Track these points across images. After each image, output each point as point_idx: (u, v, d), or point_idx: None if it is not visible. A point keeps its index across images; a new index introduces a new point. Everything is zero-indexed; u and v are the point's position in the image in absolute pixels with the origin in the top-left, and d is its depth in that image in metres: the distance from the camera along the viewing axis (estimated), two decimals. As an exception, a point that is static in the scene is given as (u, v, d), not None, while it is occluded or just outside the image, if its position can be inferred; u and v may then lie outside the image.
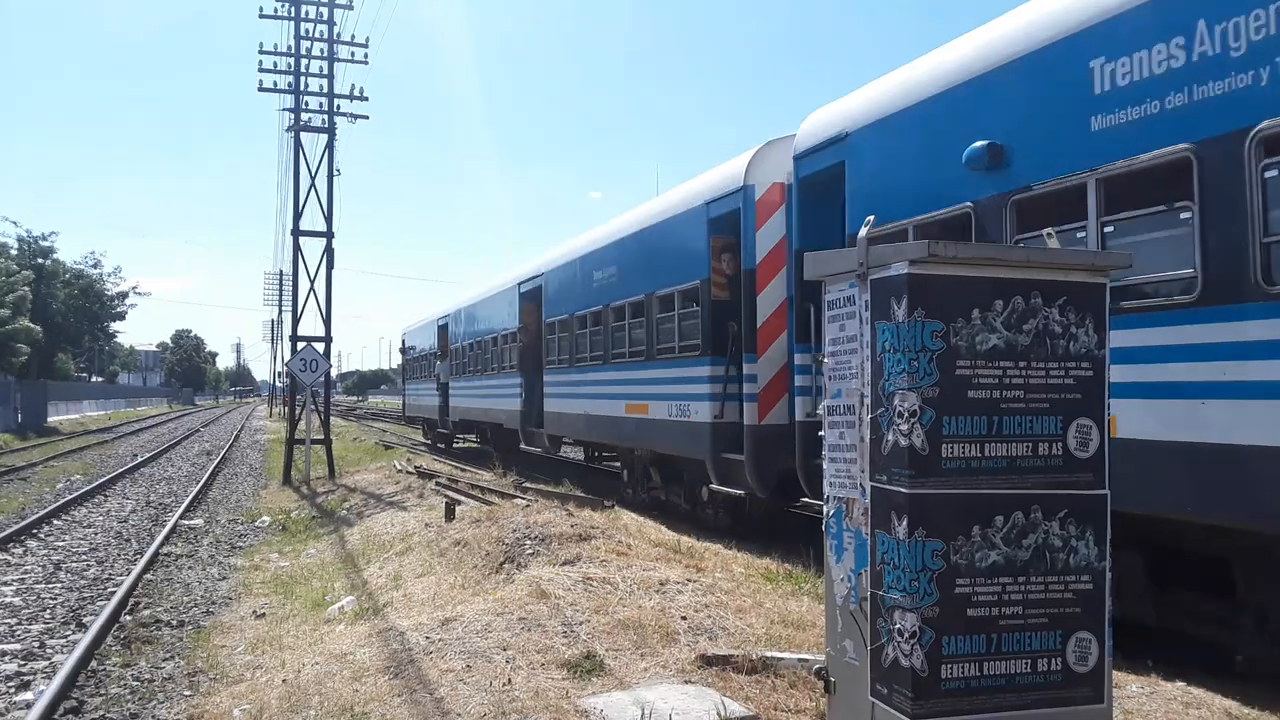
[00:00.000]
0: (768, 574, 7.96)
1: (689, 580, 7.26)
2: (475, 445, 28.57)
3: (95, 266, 55.99)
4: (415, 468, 19.22)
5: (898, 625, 3.28)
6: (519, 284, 20.66)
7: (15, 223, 65.40)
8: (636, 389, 13.88)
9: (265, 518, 15.27)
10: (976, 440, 3.27)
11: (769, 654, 5.31)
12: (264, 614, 8.48)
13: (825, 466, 3.69)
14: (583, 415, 16.30)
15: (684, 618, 6.22)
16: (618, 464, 16.61)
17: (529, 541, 8.75)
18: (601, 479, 18.11)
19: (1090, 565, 3.47)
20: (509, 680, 5.11)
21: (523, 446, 21.89)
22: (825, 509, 3.70)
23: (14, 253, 47.37)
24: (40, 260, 48.98)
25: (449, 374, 27.50)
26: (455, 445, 30.03)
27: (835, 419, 3.63)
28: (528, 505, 10.97)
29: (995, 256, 3.38)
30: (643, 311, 13.65)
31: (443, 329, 28.96)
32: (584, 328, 16.23)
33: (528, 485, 15.16)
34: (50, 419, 46.40)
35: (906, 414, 3.22)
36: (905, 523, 3.23)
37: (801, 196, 9.81)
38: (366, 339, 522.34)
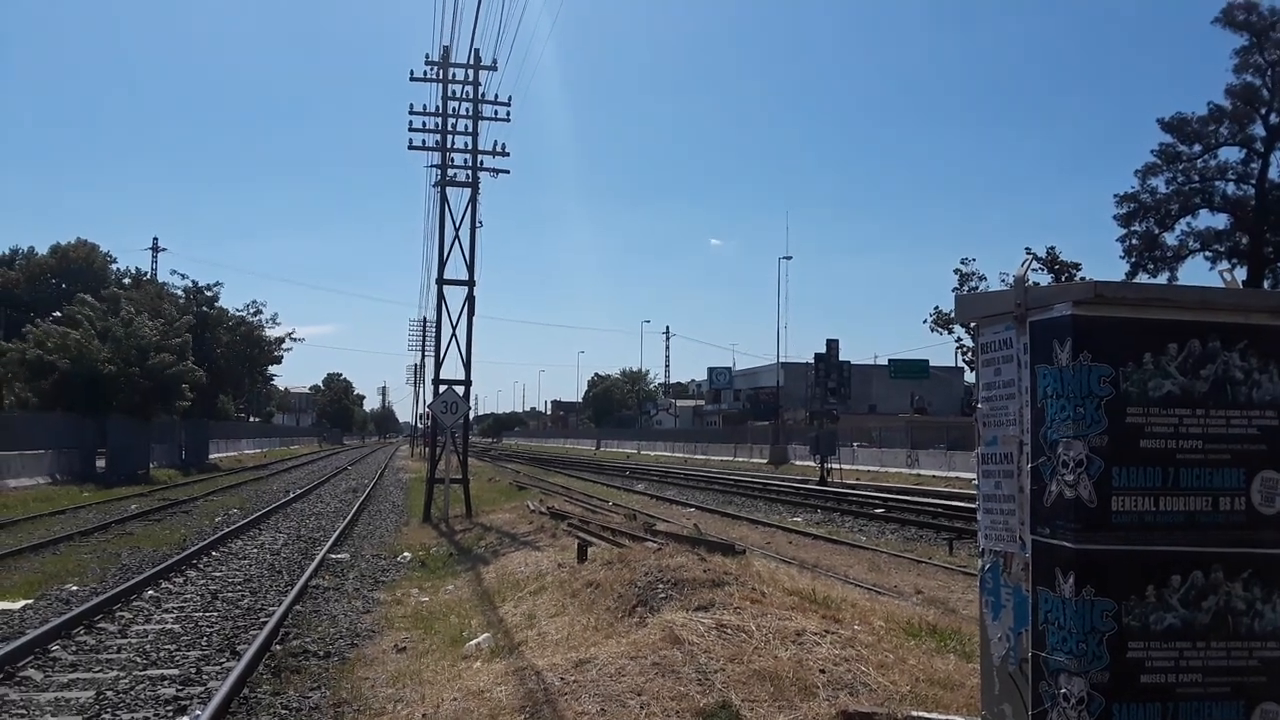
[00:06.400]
0: (910, 628, 7.65)
1: (826, 631, 7.04)
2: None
3: (256, 314, 59.51)
4: (548, 509, 19.48)
5: (1063, 690, 3.07)
6: None
7: (184, 274, 70.33)
8: None
9: (406, 554, 15.72)
10: (1150, 493, 3.06)
11: (915, 714, 5.07)
12: (405, 648, 8.68)
13: (980, 518, 3.52)
14: None
15: (822, 670, 6.02)
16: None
17: (661, 585, 8.68)
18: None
19: (1277, 630, 3.19)
20: (644, 727, 5.05)
21: None
22: (980, 563, 3.52)
23: (181, 301, 50.84)
24: (205, 309, 52.39)
25: None
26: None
27: (990, 467, 3.46)
28: (659, 549, 10.93)
29: (1167, 298, 3.18)
30: None
31: None
32: None
33: (658, 529, 15.12)
34: (211, 456, 49.47)
35: (1072, 464, 3.03)
36: (1072, 580, 3.03)
37: None
38: (501, 383, 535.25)
